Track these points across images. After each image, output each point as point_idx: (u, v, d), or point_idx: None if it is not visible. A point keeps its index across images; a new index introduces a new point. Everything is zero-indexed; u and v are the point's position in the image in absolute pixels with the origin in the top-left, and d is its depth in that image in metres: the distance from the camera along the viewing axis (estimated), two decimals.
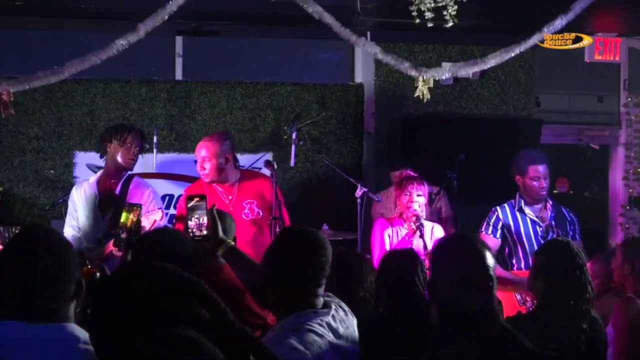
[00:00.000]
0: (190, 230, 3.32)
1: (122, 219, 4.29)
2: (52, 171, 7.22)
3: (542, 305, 3.40)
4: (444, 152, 6.53)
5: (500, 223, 5.33)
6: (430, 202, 6.22)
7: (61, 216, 5.69)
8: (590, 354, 3.30)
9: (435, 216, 6.11)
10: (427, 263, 5.07)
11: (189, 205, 3.32)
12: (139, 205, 4.36)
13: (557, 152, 7.53)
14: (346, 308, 2.90)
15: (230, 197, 5.02)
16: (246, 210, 4.99)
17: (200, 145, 5.14)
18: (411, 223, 5.24)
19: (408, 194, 5.27)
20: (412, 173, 5.84)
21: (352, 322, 2.88)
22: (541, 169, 5.33)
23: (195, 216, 3.32)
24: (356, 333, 2.87)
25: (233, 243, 3.16)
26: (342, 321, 2.79)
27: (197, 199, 3.35)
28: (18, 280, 2.30)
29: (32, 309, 2.28)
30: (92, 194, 5.13)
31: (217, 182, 5.06)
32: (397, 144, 7.86)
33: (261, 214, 4.97)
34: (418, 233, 5.20)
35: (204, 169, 5.04)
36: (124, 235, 4.20)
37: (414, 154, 7.11)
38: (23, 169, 7.16)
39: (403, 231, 5.31)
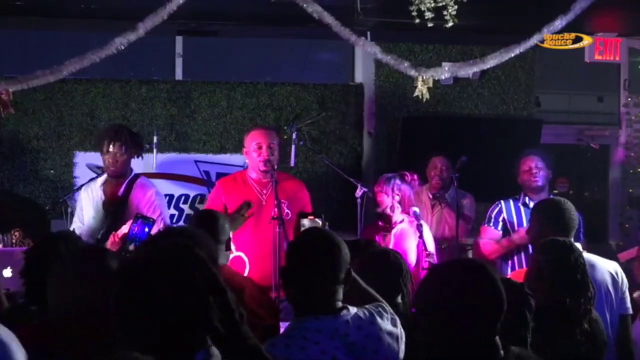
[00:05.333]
0: None
1: (135, 229, 4.17)
2: (52, 171, 7.22)
3: (543, 305, 3.39)
4: (444, 152, 6.52)
5: (502, 216, 5.42)
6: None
7: (61, 216, 5.69)
8: (590, 355, 3.29)
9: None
10: (427, 264, 5.12)
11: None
12: (152, 220, 4.26)
13: (557, 152, 7.51)
14: (372, 315, 2.78)
15: (265, 193, 5.01)
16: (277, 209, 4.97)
17: (266, 132, 5.12)
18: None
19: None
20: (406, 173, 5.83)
21: (373, 328, 2.76)
22: (530, 161, 5.46)
23: None
24: (378, 341, 2.74)
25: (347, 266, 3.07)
26: (359, 327, 2.72)
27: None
28: None
29: None
30: (97, 195, 5.15)
31: (267, 173, 5.02)
32: (397, 144, 7.86)
33: (290, 215, 4.95)
34: (417, 234, 5.20)
35: (269, 155, 4.97)
36: (131, 248, 4.07)
37: (414, 154, 7.10)
38: (23, 169, 7.16)
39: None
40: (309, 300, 2.71)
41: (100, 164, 6.01)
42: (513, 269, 5.25)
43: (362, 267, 3.15)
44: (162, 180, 7.05)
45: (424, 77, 5.58)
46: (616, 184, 8.73)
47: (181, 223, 7.06)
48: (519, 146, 6.21)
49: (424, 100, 5.64)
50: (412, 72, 5.60)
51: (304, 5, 5.20)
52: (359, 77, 8.11)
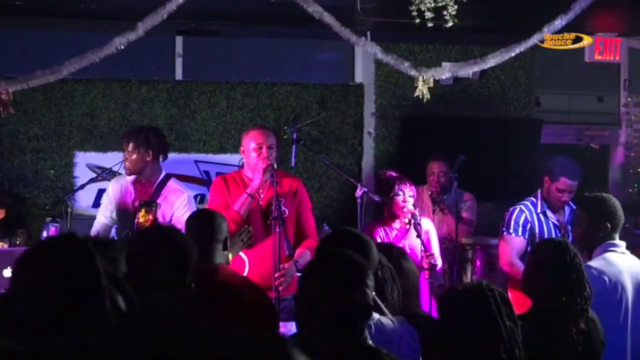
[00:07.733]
0: None
1: (140, 218, 4.22)
2: (52, 171, 7.23)
3: (539, 305, 3.39)
4: (444, 152, 6.53)
5: (529, 225, 5.34)
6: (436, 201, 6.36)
7: (61, 216, 5.69)
8: (587, 354, 3.29)
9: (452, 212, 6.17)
10: (426, 264, 5.11)
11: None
12: (156, 204, 4.30)
13: (557, 152, 7.51)
14: (393, 323, 2.83)
15: (261, 192, 5.00)
16: (273, 207, 4.94)
17: (265, 132, 5.07)
18: (404, 219, 5.28)
19: (401, 193, 5.31)
20: (394, 174, 5.81)
21: (394, 336, 2.79)
22: (571, 184, 5.33)
23: None
24: (397, 349, 2.76)
25: None
26: (381, 333, 2.73)
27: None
28: None
29: None
30: (128, 192, 5.14)
31: (267, 174, 4.95)
32: (397, 144, 7.86)
33: (287, 212, 4.93)
34: (415, 233, 5.20)
35: (269, 155, 4.93)
36: None
37: (413, 154, 7.10)
38: (23, 169, 7.17)
39: (394, 232, 5.35)
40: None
41: (101, 164, 6.00)
42: None
43: None
44: None
45: (425, 77, 5.58)
46: (616, 184, 8.73)
47: None
48: (519, 146, 6.20)
49: (425, 100, 5.63)
50: (413, 72, 5.59)
51: (304, 5, 5.20)
52: (359, 77, 8.11)
